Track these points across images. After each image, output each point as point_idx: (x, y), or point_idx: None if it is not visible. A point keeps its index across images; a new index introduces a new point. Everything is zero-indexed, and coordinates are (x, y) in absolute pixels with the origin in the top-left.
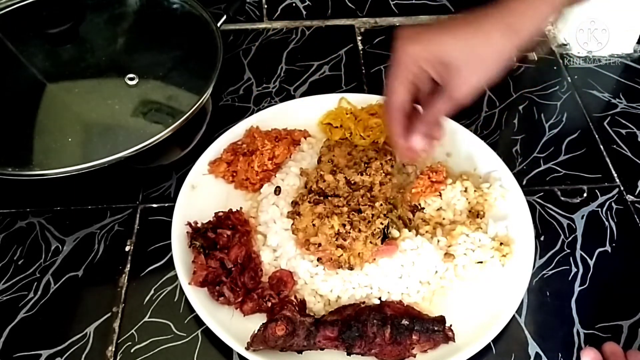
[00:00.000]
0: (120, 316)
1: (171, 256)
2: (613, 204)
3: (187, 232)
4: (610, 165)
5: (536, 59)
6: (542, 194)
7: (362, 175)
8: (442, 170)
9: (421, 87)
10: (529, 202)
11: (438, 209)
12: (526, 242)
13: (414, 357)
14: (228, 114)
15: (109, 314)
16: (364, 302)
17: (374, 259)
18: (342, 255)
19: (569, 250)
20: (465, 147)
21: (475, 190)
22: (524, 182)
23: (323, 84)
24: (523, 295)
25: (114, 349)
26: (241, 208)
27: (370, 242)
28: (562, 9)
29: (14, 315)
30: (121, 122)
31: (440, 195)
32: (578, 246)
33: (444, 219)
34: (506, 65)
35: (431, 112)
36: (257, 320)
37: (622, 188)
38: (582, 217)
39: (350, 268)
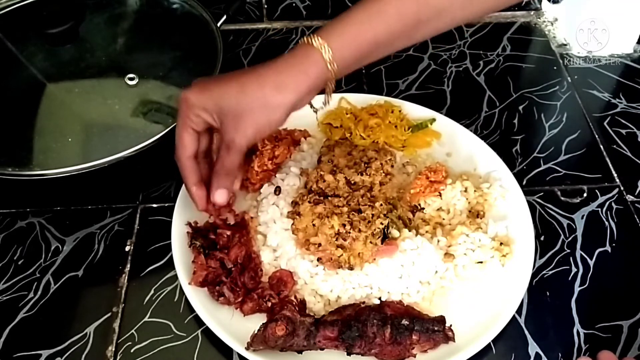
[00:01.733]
0: (120, 316)
1: (171, 256)
2: (613, 204)
3: (187, 232)
4: (610, 165)
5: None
6: (542, 194)
7: (362, 175)
8: (441, 170)
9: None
10: (529, 202)
11: (438, 209)
12: (526, 242)
13: (414, 357)
14: None
15: (109, 314)
16: (364, 302)
17: (374, 259)
18: (342, 255)
19: (569, 250)
20: (465, 147)
21: (475, 190)
22: (524, 182)
23: None
24: (523, 295)
25: (114, 349)
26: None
27: (370, 242)
28: (334, 75)
29: (14, 315)
30: (121, 122)
31: (440, 195)
32: (578, 246)
33: (443, 219)
34: (277, 122)
35: (219, 164)
36: (257, 320)
37: (622, 188)
38: (582, 217)
39: (350, 268)
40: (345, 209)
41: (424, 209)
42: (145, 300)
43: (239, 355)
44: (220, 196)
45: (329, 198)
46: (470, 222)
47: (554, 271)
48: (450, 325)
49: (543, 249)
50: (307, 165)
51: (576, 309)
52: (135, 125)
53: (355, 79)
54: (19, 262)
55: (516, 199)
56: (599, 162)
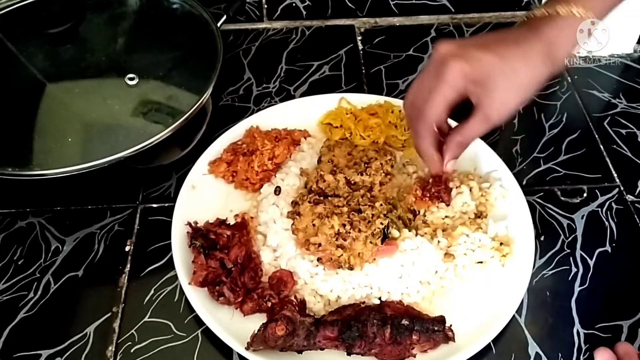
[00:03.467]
0: (120, 316)
1: (171, 256)
2: (613, 204)
3: (187, 232)
4: (610, 165)
5: None
6: (542, 194)
7: (362, 175)
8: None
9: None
10: (529, 202)
11: (444, 217)
12: (526, 242)
13: (414, 357)
14: (228, 114)
15: (109, 314)
16: (364, 302)
17: (374, 259)
18: (342, 255)
19: (569, 250)
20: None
21: (479, 190)
22: (524, 182)
23: (323, 84)
24: (523, 295)
25: (114, 349)
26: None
27: (370, 242)
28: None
29: (14, 315)
30: (121, 122)
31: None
32: (578, 246)
33: (447, 224)
34: (537, 90)
35: (465, 133)
36: (257, 320)
37: (622, 188)
38: (582, 217)
39: (350, 268)
40: (345, 209)
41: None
42: (145, 300)
43: (239, 355)
44: (452, 166)
45: (329, 198)
46: (471, 222)
47: (554, 271)
48: (450, 325)
49: (543, 249)
50: (307, 165)
51: (576, 309)
52: (135, 125)
53: (355, 79)
54: (19, 262)
55: (516, 199)
56: (599, 162)
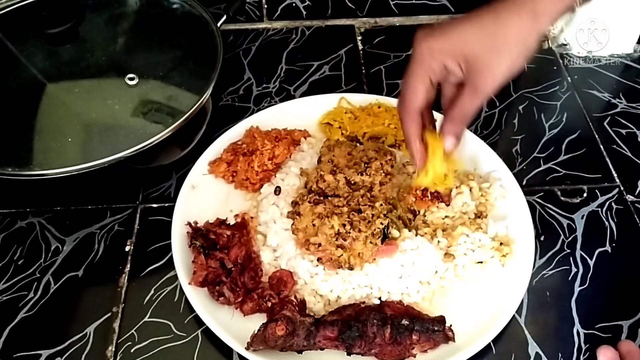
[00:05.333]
0: (120, 316)
1: (171, 256)
2: (613, 204)
3: (187, 232)
4: (610, 165)
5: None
6: (542, 194)
7: (362, 175)
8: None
9: (442, 86)
10: (529, 202)
11: (444, 217)
12: (526, 242)
13: (414, 357)
14: (228, 114)
15: (109, 314)
16: (364, 302)
17: (374, 259)
18: (342, 255)
19: (569, 250)
20: (465, 147)
21: (478, 190)
22: (524, 182)
23: (323, 84)
24: (523, 295)
25: (114, 349)
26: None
27: (370, 242)
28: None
29: (14, 315)
30: (121, 122)
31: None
32: (578, 246)
33: (447, 224)
34: (530, 53)
35: (458, 109)
36: (257, 320)
37: (622, 188)
38: (582, 217)
39: (350, 268)
40: (345, 209)
41: (425, 215)
42: (145, 300)
43: (239, 355)
44: (451, 143)
45: (329, 198)
46: (471, 222)
47: (554, 271)
48: (450, 325)
49: (543, 249)
50: (307, 165)
51: (576, 309)
52: (135, 125)
53: (355, 79)
54: (19, 262)
55: (516, 199)
56: (599, 162)
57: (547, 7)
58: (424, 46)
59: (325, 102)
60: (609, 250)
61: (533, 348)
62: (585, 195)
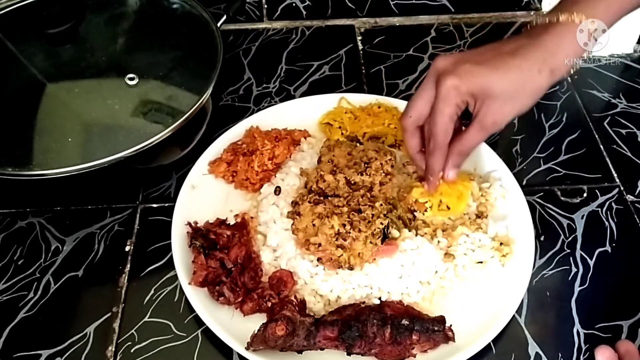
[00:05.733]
0: (120, 316)
1: (171, 256)
2: (613, 204)
3: (187, 232)
4: (610, 165)
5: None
6: (542, 194)
7: (362, 175)
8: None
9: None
10: (529, 202)
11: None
12: (526, 242)
13: (414, 357)
14: (228, 114)
15: (109, 314)
16: (364, 302)
17: (374, 259)
18: (342, 255)
19: (569, 250)
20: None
21: (478, 190)
22: (524, 182)
23: (323, 84)
24: (523, 295)
25: (114, 349)
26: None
27: (370, 242)
28: (592, 46)
29: (14, 315)
30: (121, 122)
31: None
32: (578, 246)
33: (447, 224)
34: (537, 100)
35: (464, 142)
36: (257, 320)
37: (622, 188)
38: (582, 217)
39: (350, 268)
40: (345, 209)
41: (426, 210)
42: (145, 300)
43: (239, 355)
44: (453, 175)
45: (329, 198)
46: (471, 222)
47: (554, 271)
48: (450, 325)
49: (543, 249)
50: (307, 165)
51: (576, 309)
52: (135, 125)
53: (355, 79)
54: (19, 262)
55: (516, 199)
56: (599, 162)
57: (562, 66)
58: (451, 84)
59: (325, 102)
60: (609, 250)
61: (533, 348)
62: (585, 195)
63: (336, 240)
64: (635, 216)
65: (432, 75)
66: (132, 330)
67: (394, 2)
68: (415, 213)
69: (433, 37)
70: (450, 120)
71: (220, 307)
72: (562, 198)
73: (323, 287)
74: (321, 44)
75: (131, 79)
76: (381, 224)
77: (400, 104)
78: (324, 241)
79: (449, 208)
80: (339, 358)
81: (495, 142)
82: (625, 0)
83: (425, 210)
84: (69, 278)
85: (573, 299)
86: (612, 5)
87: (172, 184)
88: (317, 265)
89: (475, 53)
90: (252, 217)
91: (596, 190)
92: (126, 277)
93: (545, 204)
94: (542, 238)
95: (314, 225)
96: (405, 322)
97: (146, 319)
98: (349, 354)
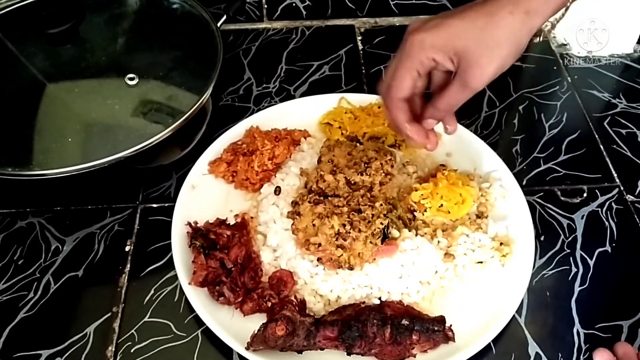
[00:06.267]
0: (120, 316)
1: (171, 256)
2: (613, 204)
3: (187, 232)
4: (610, 165)
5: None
6: (542, 194)
7: (362, 175)
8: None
9: (432, 73)
10: (529, 202)
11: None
12: (526, 242)
13: (414, 357)
14: (228, 114)
15: (109, 314)
16: (364, 302)
17: (374, 259)
18: (342, 255)
19: (569, 250)
20: (465, 147)
21: (479, 190)
22: (524, 182)
23: (323, 84)
24: (523, 295)
25: (114, 349)
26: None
27: (370, 242)
28: None
29: (14, 315)
30: (121, 122)
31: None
32: (578, 246)
33: (447, 224)
34: (521, 52)
35: (444, 99)
36: (257, 320)
37: (622, 188)
38: (582, 217)
39: (350, 268)
40: (345, 209)
41: (426, 210)
42: (145, 300)
43: (239, 355)
44: (431, 124)
45: (329, 198)
46: (471, 222)
47: (554, 271)
48: (450, 325)
49: (543, 249)
50: (307, 165)
51: (576, 309)
52: (135, 125)
53: (355, 79)
54: (19, 262)
55: (516, 199)
56: (599, 162)
57: (540, 6)
58: (415, 39)
59: (325, 102)
60: (609, 250)
61: (533, 348)
62: (585, 195)
63: (336, 240)
64: (635, 216)
65: (403, 41)
66: (132, 330)
67: (394, 2)
68: (415, 213)
69: None
70: (407, 74)
71: (220, 307)
72: (562, 198)
73: (323, 287)
74: (321, 44)
75: (131, 79)
76: (381, 224)
77: None
78: (324, 241)
79: (449, 212)
80: (339, 358)
81: (496, 142)
82: None
83: (425, 210)
84: (69, 278)
85: (573, 299)
86: None
87: (172, 184)
88: (317, 265)
89: (444, 14)
90: (252, 217)
91: (596, 190)
92: (126, 277)
93: (545, 204)
94: (542, 238)
95: (314, 225)
96: (405, 322)
97: (146, 319)
98: (349, 354)
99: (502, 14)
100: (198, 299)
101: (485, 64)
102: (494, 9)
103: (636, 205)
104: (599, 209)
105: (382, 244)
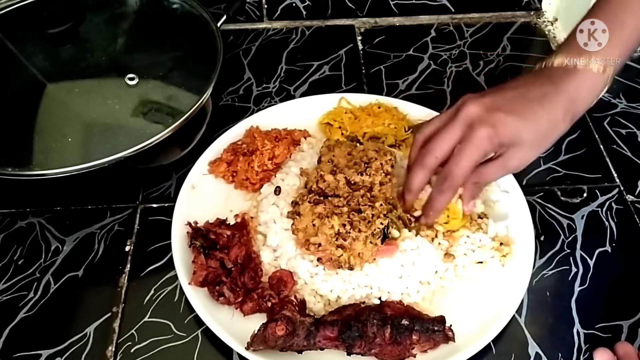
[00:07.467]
0: (120, 316)
1: (171, 256)
2: (613, 204)
3: (187, 232)
4: (610, 165)
5: None
6: (542, 194)
7: (362, 175)
8: None
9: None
10: (529, 202)
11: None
12: (526, 242)
13: (414, 357)
14: (228, 114)
15: (109, 314)
16: (364, 302)
17: (374, 259)
18: (342, 255)
19: (569, 250)
20: None
21: None
22: (524, 182)
23: (323, 84)
24: (523, 295)
25: (114, 349)
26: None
27: (370, 242)
28: (609, 82)
29: (14, 315)
30: (121, 122)
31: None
32: (578, 246)
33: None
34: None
35: (483, 176)
36: (257, 320)
37: (622, 188)
38: (582, 217)
39: (350, 268)
40: (345, 209)
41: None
42: (145, 300)
43: (239, 355)
44: (472, 206)
45: (329, 198)
46: (471, 223)
47: (554, 271)
48: (450, 325)
49: (543, 249)
50: (307, 165)
51: (576, 309)
52: (135, 125)
53: (355, 79)
54: (19, 262)
55: (516, 199)
56: (599, 162)
57: (580, 107)
58: (485, 135)
59: (325, 102)
60: (609, 250)
61: (533, 348)
62: (585, 195)
63: (336, 240)
64: (635, 216)
65: (462, 119)
66: (132, 330)
67: (394, 2)
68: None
69: (433, 37)
70: (473, 166)
71: (220, 307)
72: (562, 198)
73: (323, 287)
74: (321, 44)
75: (131, 79)
76: (381, 224)
77: (400, 104)
78: (324, 241)
79: (446, 223)
80: (339, 358)
81: None
82: (633, 34)
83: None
84: (69, 278)
85: (573, 299)
86: (623, 39)
87: (172, 184)
88: (317, 265)
89: (504, 99)
90: (252, 217)
91: (596, 190)
92: (126, 277)
93: (545, 204)
94: (542, 238)
95: (314, 225)
96: (405, 322)
97: (146, 319)
98: (349, 354)
99: (557, 121)
100: (198, 299)
101: (531, 157)
102: (552, 114)
103: (636, 205)
104: (599, 209)
105: (382, 244)
